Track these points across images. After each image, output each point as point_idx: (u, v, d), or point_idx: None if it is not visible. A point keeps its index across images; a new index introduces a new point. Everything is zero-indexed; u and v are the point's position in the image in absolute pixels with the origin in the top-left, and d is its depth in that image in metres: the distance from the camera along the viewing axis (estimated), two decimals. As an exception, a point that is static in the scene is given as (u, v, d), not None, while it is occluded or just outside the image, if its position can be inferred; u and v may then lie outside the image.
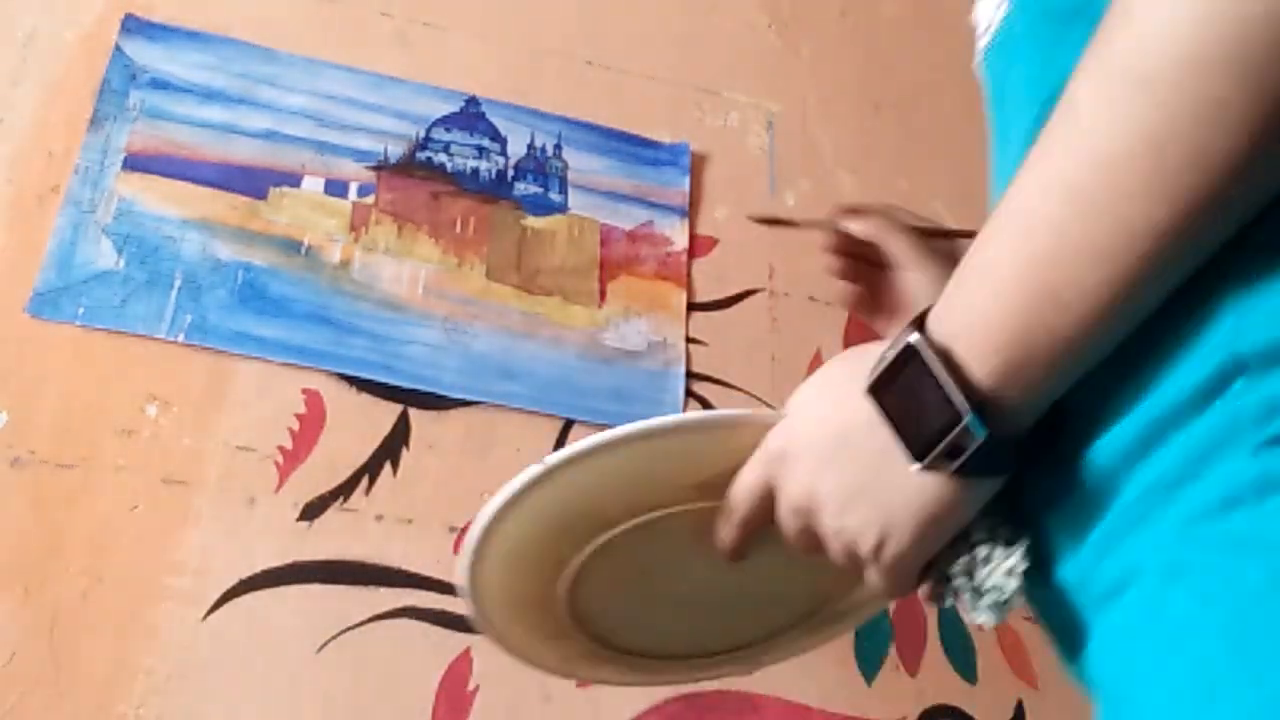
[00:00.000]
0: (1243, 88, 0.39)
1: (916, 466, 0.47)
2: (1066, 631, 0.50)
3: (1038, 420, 0.48)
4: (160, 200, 1.02)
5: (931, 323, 0.47)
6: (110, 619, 0.87)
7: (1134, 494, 0.45)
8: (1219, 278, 0.44)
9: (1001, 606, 0.48)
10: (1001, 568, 0.49)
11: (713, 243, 1.18)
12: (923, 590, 0.53)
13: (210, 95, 1.08)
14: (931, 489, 0.48)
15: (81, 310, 0.96)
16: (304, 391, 0.99)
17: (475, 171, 1.13)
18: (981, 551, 0.49)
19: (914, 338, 0.46)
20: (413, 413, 1.01)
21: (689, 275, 1.15)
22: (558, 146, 1.17)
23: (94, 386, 0.94)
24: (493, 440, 1.02)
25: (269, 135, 1.08)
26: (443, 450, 1.01)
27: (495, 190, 1.13)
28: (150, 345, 0.97)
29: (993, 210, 0.48)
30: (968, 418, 0.45)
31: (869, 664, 1.03)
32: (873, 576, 0.51)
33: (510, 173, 1.14)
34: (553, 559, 0.57)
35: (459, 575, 0.55)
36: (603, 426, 1.09)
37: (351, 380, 1.01)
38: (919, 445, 0.46)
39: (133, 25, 1.09)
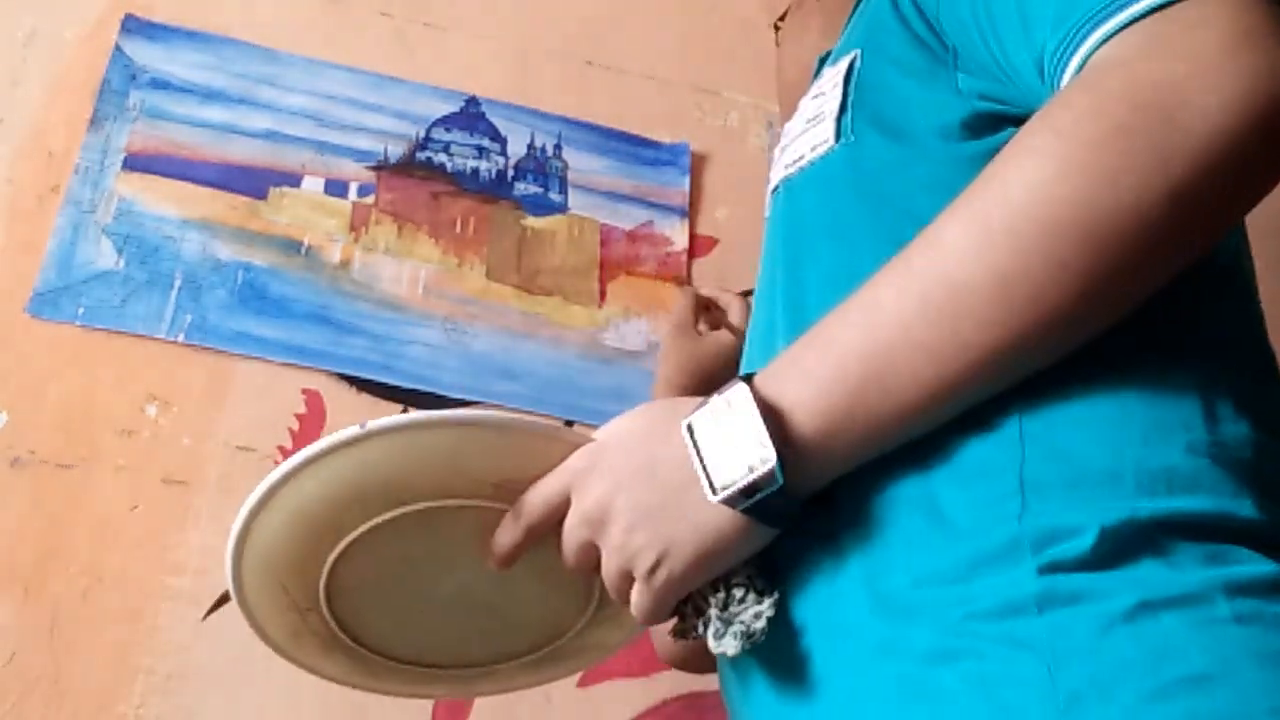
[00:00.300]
0: (1083, 256, 0.47)
1: (714, 498, 0.52)
2: (793, 675, 0.56)
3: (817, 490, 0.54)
4: (160, 200, 1.02)
5: (760, 378, 0.53)
6: (110, 619, 0.87)
7: (901, 580, 0.51)
8: (1014, 395, 0.51)
9: (745, 639, 0.54)
10: (752, 610, 0.54)
11: (713, 243, 1.18)
12: (670, 622, 0.58)
13: (210, 95, 1.08)
14: (717, 522, 0.53)
15: (81, 310, 0.96)
16: (304, 391, 0.99)
17: (475, 171, 1.13)
18: (737, 593, 0.55)
19: (741, 387, 0.52)
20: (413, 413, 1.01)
21: (689, 275, 1.15)
22: (558, 146, 1.17)
23: (94, 386, 0.94)
24: (493, 440, 1.02)
25: (269, 135, 1.08)
26: (443, 450, 1.01)
27: (495, 190, 1.13)
28: (150, 345, 0.97)
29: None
30: (772, 462, 0.50)
31: (869, 664, 1.03)
32: (637, 597, 0.56)
33: (510, 173, 1.14)
34: (334, 526, 0.57)
35: (240, 515, 0.55)
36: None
37: (351, 380, 1.01)
38: (720, 479, 0.52)
39: (133, 25, 1.09)
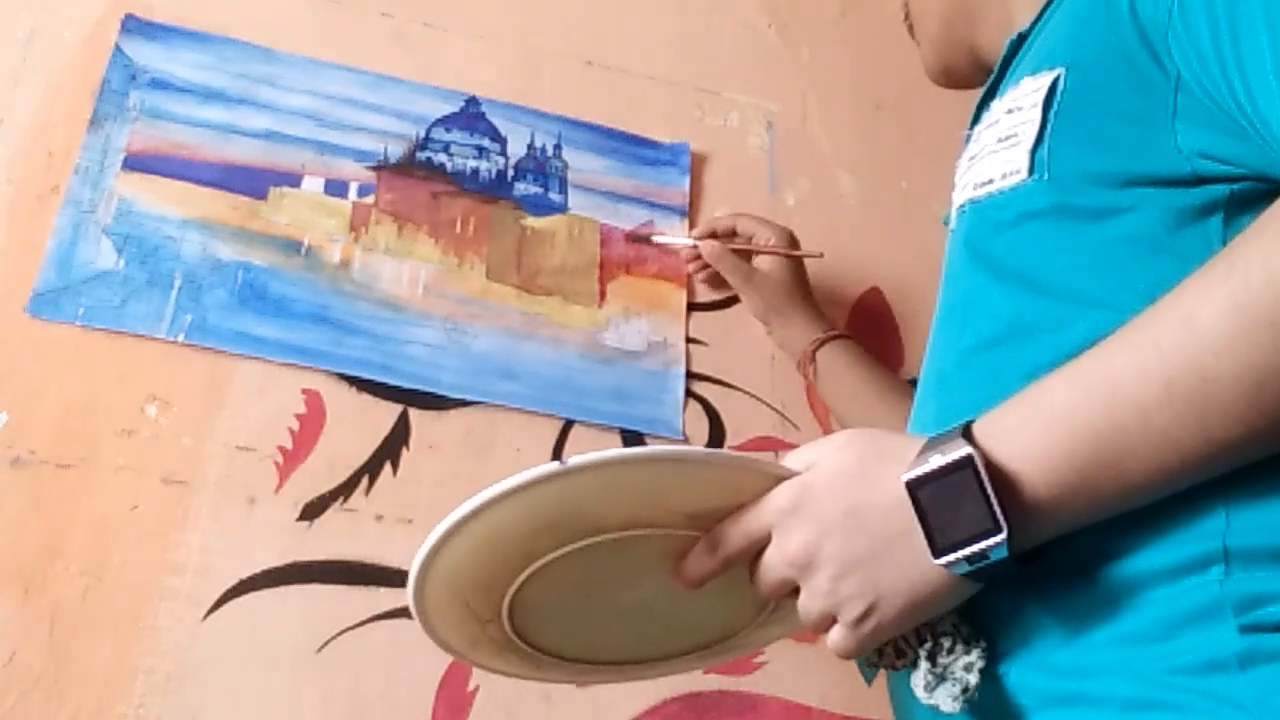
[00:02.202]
0: None
1: (937, 560, 0.51)
2: (993, 716, 0.55)
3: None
4: (160, 200, 1.02)
5: (984, 438, 0.52)
6: (110, 619, 0.87)
7: (1099, 637, 0.52)
8: (1222, 476, 0.50)
9: (962, 696, 0.53)
10: (962, 660, 0.54)
11: (713, 243, 1.18)
12: (867, 654, 0.58)
13: (210, 95, 1.08)
14: (932, 580, 0.52)
15: (81, 310, 0.96)
16: (304, 391, 0.99)
17: (475, 171, 1.13)
18: (945, 642, 0.55)
19: (969, 451, 0.51)
20: (413, 413, 1.01)
21: (689, 275, 1.15)
22: (558, 146, 1.17)
23: (94, 386, 0.94)
24: (493, 440, 1.02)
25: (269, 135, 1.08)
26: (443, 450, 1.01)
27: (495, 190, 1.13)
28: (150, 345, 0.97)
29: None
30: (1003, 534, 0.50)
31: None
32: (840, 640, 0.56)
33: (510, 173, 1.14)
34: (524, 552, 0.58)
35: (430, 538, 0.55)
36: (602, 426, 1.10)
37: (351, 380, 1.01)
38: (944, 543, 0.51)
39: (133, 25, 1.09)
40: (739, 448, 1.06)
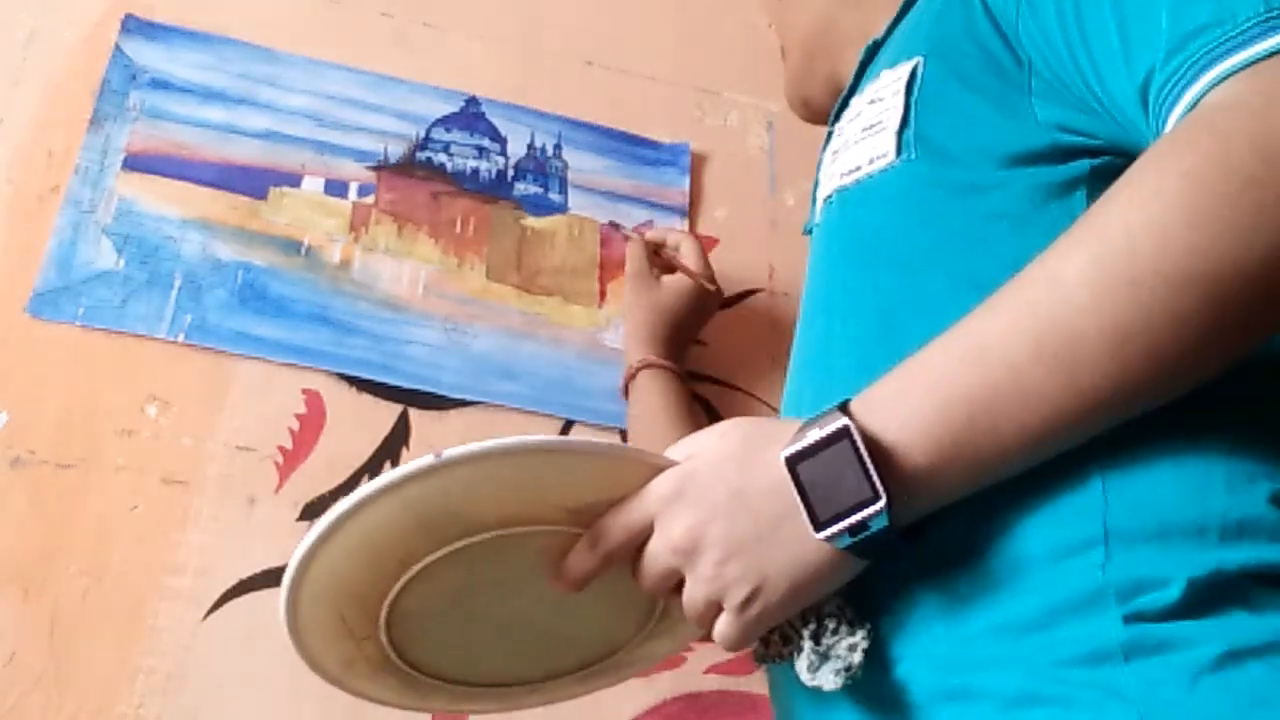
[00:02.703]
0: (1205, 312, 0.46)
1: (819, 535, 0.51)
2: (873, 710, 0.55)
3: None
4: (160, 200, 1.02)
5: (861, 412, 0.52)
6: (110, 619, 0.87)
7: (983, 624, 0.51)
8: (1095, 446, 0.50)
9: (845, 674, 0.53)
10: (846, 641, 0.53)
11: (713, 243, 1.18)
12: (753, 646, 0.57)
13: (210, 95, 1.08)
14: (817, 557, 0.52)
15: (81, 310, 0.96)
16: (304, 391, 0.99)
17: (475, 171, 1.13)
18: (829, 624, 0.54)
19: (847, 421, 0.51)
20: (413, 413, 1.01)
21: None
22: (558, 146, 1.17)
23: (94, 386, 0.94)
24: (493, 440, 1.02)
25: (269, 135, 1.08)
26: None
27: (495, 190, 1.13)
28: (150, 345, 0.97)
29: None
30: (881, 501, 0.49)
31: (869, 664, 1.03)
32: (726, 627, 0.55)
33: (510, 173, 1.14)
34: (400, 556, 0.56)
35: (303, 545, 0.53)
36: (603, 426, 1.09)
37: (351, 380, 1.01)
38: (824, 515, 0.51)
39: (133, 25, 1.09)
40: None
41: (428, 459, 0.51)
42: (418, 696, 0.67)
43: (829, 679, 0.53)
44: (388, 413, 1.01)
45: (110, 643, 0.87)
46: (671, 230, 1.09)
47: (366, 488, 0.52)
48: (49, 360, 0.94)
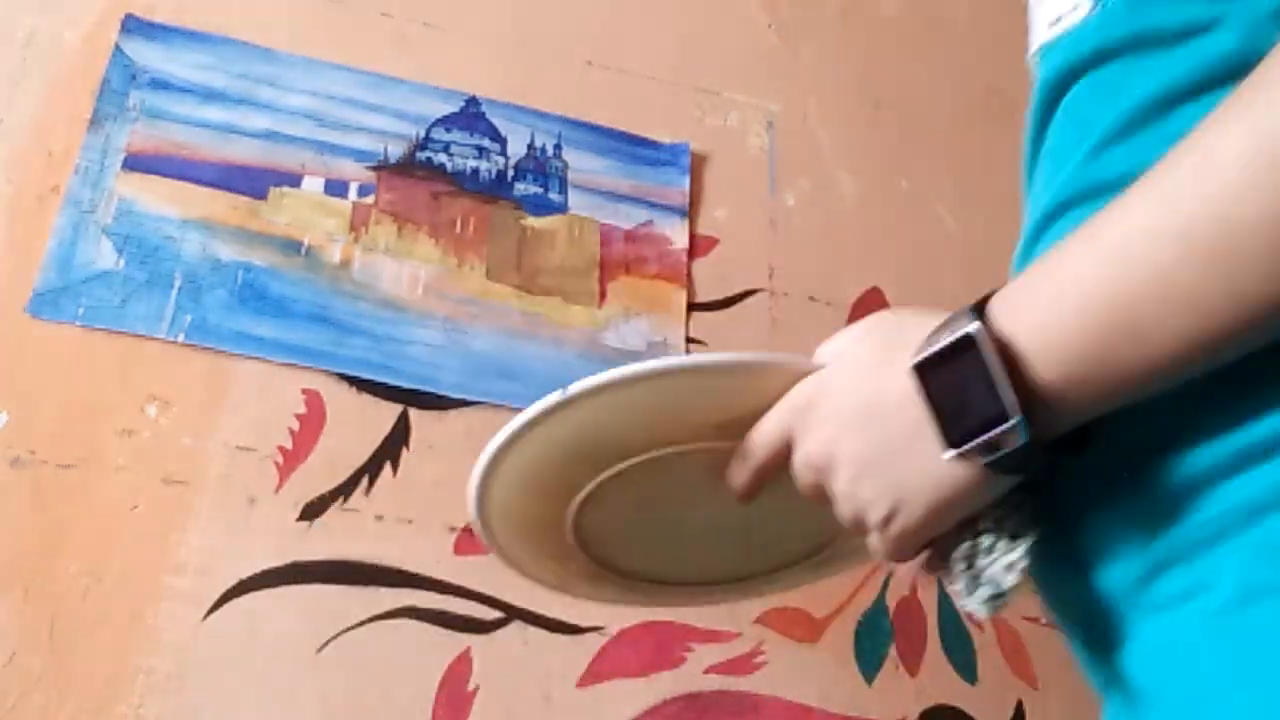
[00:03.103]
0: None
1: (950, 454, 0.46)
2: (1097, 629, 0.50)
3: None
4: (160, 200, 1.02)
5: (996, 314, 0.46)
6: (110, 619, 0.87)
7: (1212, 511, 0.45)
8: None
9: (996, 600, 0.49)
10: (1002, 561, 0.49)
11: (713, 243, 1.18)
12: (921, 560, 0.53)
13: (210, 95, 1.08)
14: (953, 475, 0.48)
15: (81, 310, 0.96)
16: (304, 391, 0.99)
17: (475, 171, 1.13)
18: (985, 541, 0.50)
19: (974, 327, 0.45)
20: (413, 413, 1.01)
21: (689, 275, 1.15)
22: (558, 146, 1.17)
23: (94, 386, 0.94)
24: (493, 440, 1.02)
25: (269, 135, 1.08)
26: (443, 450, 1.01)
27: (495, 190, 1.13)
28: (150, 345, 0.97)
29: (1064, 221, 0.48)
30: (1015, 419, 0.44)
31: (869, 664, 1.03)
32: (874, 542, 0.51)
33: (510, 173, 1.14)
34: (565, 484, 0.57)
35: (470, 492, 0.55)
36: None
37: (351, 380, 1.01)
38: (956, 434, 0.46)
39: (133, 25, 1.09)
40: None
41: (555, 395, 0.52)
42: (647, 596, 0.67)
43: (979, 608, 0.49)
44: (388, 412, 1.01)
45: (110, 643, 0.87)
46: None
47: (501, 433, 0.53)
48: (49, 360, 0.94)
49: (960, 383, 0.46)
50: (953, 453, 0.46)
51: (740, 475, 0.55)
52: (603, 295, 1.11)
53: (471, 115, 1.16)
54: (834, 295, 1.18)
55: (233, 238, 1.03)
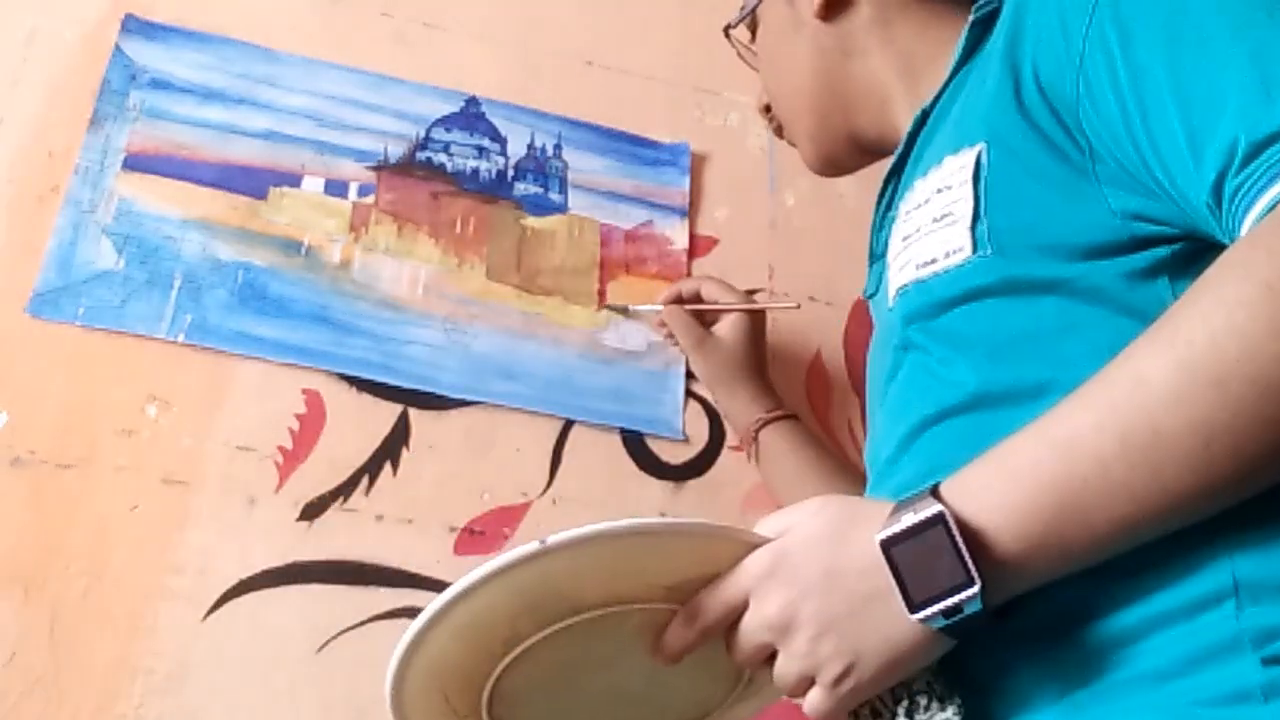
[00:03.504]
0: None
1: (914, 617, 0.53)
2: None
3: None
4: (160, 200, 1.02)
5: (953, 497, 0.53)
6: (110, 619, 0.87)
7: (1125, 675, 0.53)
8: (1222, 514, 0.52)
9: None
10: (939, 717, 0.55)
11: (713, 243, 1.18)
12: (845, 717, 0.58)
13: (210, 95, 1.08)
14: (909, 637, 0.54)
15: (81, 310, 0.96)
16: (304, 391, 0.99)
17: (475, 171, 1.13)
18: (921, 700, 0.56)
19: (940, 508, 0.52)
20: (413, 413, 1.01)
21: (689, 275, 1.15)
22: (558, 146, 1.17)
23: (94, 386, 0.94)
24: (493, 440, 1.02)
25: (269, 135, 1.08)
26: (443, 450, 1.00)
27: (495, 190, 1.13)
28: (150, 345, 0.97)
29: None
30: (976, 586, 0.51)
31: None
32: (818, 701, 0.56)
33: (510, 173, 1.14)
34: (505, 638, 0.58)
35: (412, 630, 0.54)
36: (603, 426, 1.09)
37: (351, 380, 1.01)
38: (918, 599, 0.52)
39: (133, 25, 1.09)
40: (737, 449, 1.06)
41: (533, 546, 0.53)
42: None
43: None
44: (388, 413, 1.01)
45: (110, 643, 0.87)
46: (683, 283, 1.09)
47: (474, 574, 0.54)
48: (49, 360, 0.94)
49: (925, 555, 0.52)
50: (917, 615, 0.52)
51: (683, 636, 0.59)
52: (603, 295, 1.11)
53: (471, 115, 1.16)
54: (834, 295, 1.18)
55: (233, 238, 1.03)
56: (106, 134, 1.03)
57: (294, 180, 1.07)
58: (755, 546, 0.57)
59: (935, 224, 0.67)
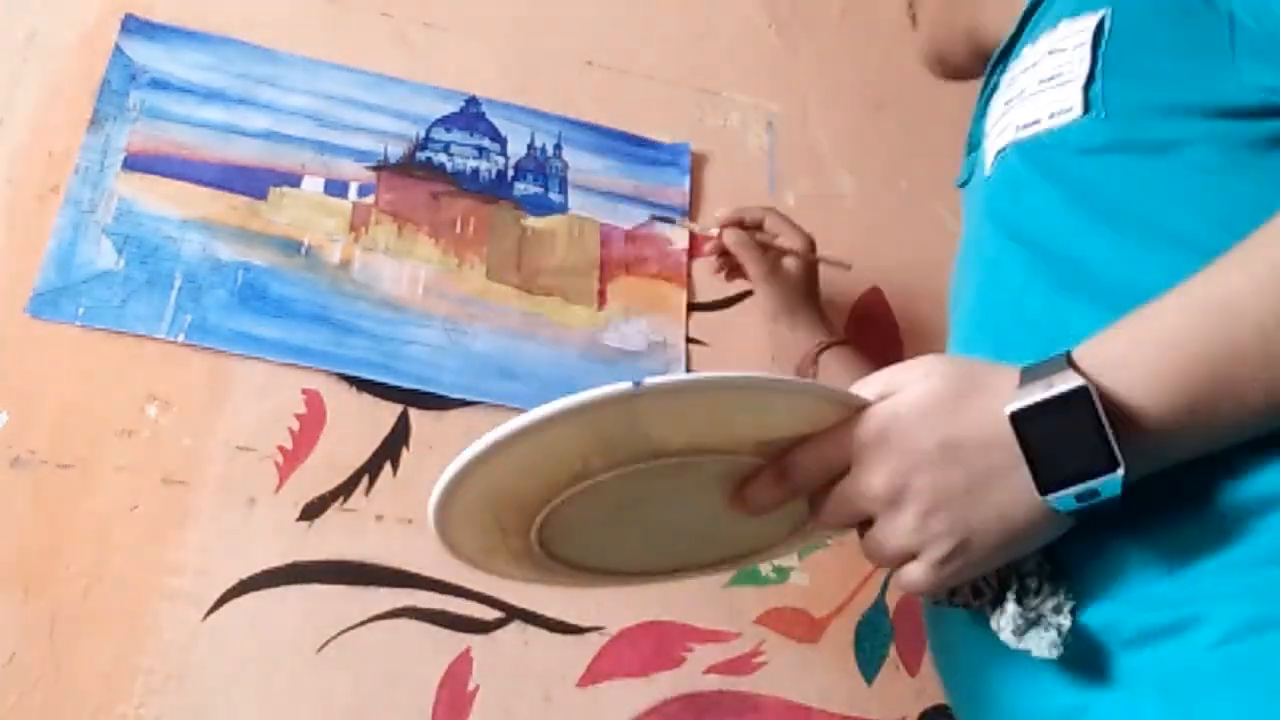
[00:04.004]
0: None
1: (1044, 497, 0.48)
2: (1069, 664, 0.52)
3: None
4: (160, 200, 1.02)
5: (1093, 369, 0.48)
6: (110, 619, 0.87)
7: (1211, 564, 0.49)
8: None
9: (1060, 641, 0.50)
10: (1050, 602, 0.51)
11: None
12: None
13: (210, 95, 1.08)
14: (1029, 518, 0.49)
15: (81, 310, 0.96)
16: (304, 391, 0.99)
17: (475, 171, 1.13)
18: (1031, 582, 0.51)
19: (1084, 383, 0.47)
20: (413, 413, 1.01)
21: (689, 275, 1.15)
22: (558, 146, 1.17)
23: (94, 386, 0.94)
24: (493, 440, 1.02)
25: (269, 135, 1.08)
26: (443, 450, 1.00)
27: (495, 190, 1.13)
28: (150, 345, 0.97)
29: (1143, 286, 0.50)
30: (1119, 471, 0.46)
31: (869, 664, 1.03)
32: (918, 574, 0.52)
33: (510, 173, 1.14)
34: (576, 470, 0.55)
35: (489, 438, 0.52)
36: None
37: (351, 380, 1.01)
38: (1051, 480, 0.48)
39: (133, 25, 1.09)
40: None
41: (626, 385, 0.50)
42: (549, 576, 0.66)
43: (1042, 648, 0.50)
44: (388, 413, 1.01)
45: (110, 643, 0.87)
46: (745, 209, 1.09)
47: (557, 404, 0.50)
48: (49, 360, 0.94)
49: (1061, 433, 0.47)
50: (1049, 496, 0.48)
51: (772, 493, 0.55)
52: (603, 295, 1.11)
53: (471, 115, 1.16)
54: (834, 295, 1.18)
55: (233, 238, 1.03)
56: (106, 134, 1.03)
57: (294, 180, 1.07)
58: (858, 409, 0.53)
59: (1042, 84, 0.63)
